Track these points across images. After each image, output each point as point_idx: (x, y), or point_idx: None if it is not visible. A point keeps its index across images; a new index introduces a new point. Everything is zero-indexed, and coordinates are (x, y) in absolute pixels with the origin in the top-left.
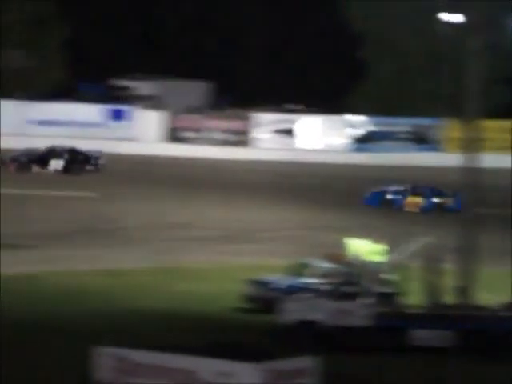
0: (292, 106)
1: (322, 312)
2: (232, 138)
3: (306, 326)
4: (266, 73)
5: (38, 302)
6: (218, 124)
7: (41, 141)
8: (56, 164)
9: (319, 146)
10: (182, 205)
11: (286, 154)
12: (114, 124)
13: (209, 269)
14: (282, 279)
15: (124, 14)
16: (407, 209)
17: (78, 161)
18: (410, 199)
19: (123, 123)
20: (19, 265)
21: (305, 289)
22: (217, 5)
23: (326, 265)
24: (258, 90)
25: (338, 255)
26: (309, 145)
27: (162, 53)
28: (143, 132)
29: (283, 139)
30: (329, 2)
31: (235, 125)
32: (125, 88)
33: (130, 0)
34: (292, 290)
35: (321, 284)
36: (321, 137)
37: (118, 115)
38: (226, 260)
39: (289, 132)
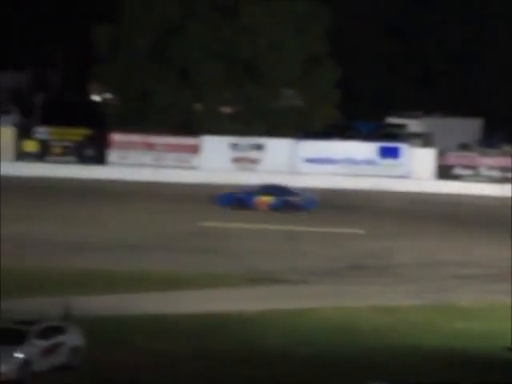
0: None
1: None
2: (502, 174)
3: None
4: None
5: (308, 337)
6: (491, 161)
7: (311, 179)
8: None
9: None
10: (448, 242)
11: None
12: (384, 161)
13: (479, 308)
14: None
15: (393, 54)
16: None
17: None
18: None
19: (394, 160)
20: (289, 300)
21: None
22: (485, 40)
23: None
24: None
25: None
26: None
27: (430, 90)
28: (413, 169)
29: None
30: None
31: (508, 162)
32: (397, 126)
33: (400, 40)
34: None
35: None
36: None
37: (389, 152)
38: (495, 299)
39: None
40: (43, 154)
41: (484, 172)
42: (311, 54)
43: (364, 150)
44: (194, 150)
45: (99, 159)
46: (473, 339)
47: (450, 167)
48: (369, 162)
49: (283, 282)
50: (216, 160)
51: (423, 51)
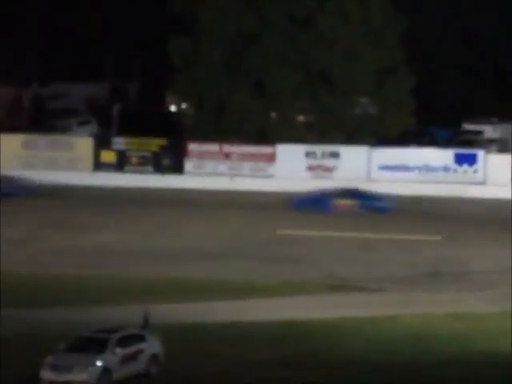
0: None
1: None
2: None
3: None
4: None
5: (387, 344)
6: None
7: (387, 186)
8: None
9: None
10: None
11: None
12: (461, 168)
13: None
14: None
15: (468, 60)
16: None
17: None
18: None
19: (470, 167)
20: (367, 307)
21: None
22: None
23: None
24: None
25: None
26: None
27: (506, 96)
28: (490, 176)
29: None
30: None
31: None
32: (473, 132)
33: (475, 46)
34: None
35: None
36: None
37: (465, 159)
38: None
39: None
40: (121, 164)
41: None
42: (386, 63)
43: (440, 156)
44: (270, 158)
45: (176, 169)
46: None
47: None
48: (445, 169)
49: (361, 289)
50: (291, 168)
51: (499, 57)
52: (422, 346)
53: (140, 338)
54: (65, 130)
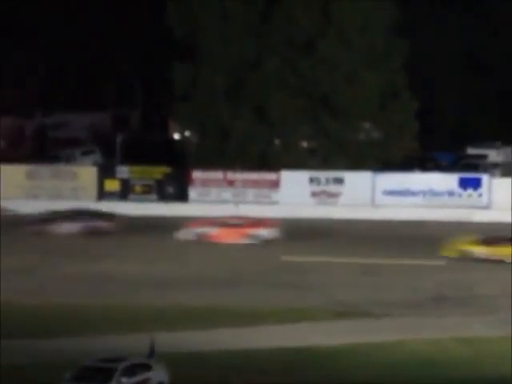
0: None
1: None
2: None
3: None
4: None
5: (393, 370)
6: None
7: (392, 211)
8: None
9: None
10: None
11: None
12: (465, 192)
13: None
14: None
15: (470, 84)
16: None
17: None
18: None
19: (475, 191)
20: (373, 333)
21: None
22: None
23: None
24: None
25: None
26: None
27: (509, 120)
28: (494, 199)
29: None
30: None
31: None
32: (477, 156)
33: (477, 70)
34: None
35: None
36: None
37: (469, 183)
38: None
39: None
40: (125, 192)
41: None
42: (388, 87)
43: (444, 181)
44: (274, 184)
45: (180, 196)
46: None
47: None
48: (450, 193)
49: (367, 315)
50: (296, 194)
51: (502, 80)
52: (429, 371)
53: (146, 367)
54: (68, 159)
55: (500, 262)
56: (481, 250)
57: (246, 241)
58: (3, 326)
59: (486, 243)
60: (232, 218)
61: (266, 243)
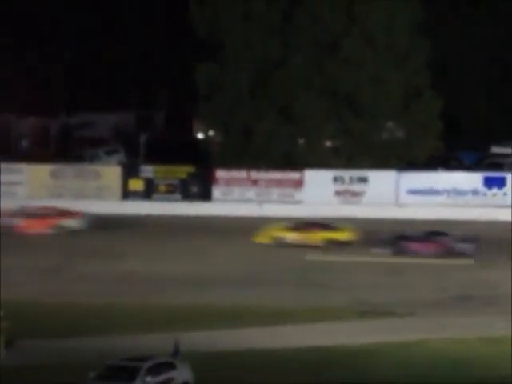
0: None
1: None
2: None
3: None
4: None
5: (417, 369)
6: None
7: (415, 210)
8: None
9: None
10: None
11: None
12: (490, 191)
13: None
14: None
15: (494, 82)
16: None
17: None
18: None
19: (499, 190)
20: (397, 332)
21: None
22: None
23: None
24: None
25: None
26: None
27: None
28: None
29: None
30: None
31: None
32: (502, 155)
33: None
34: None
35: None
36: None
37: (494, 182)
38: None
39: None
40: (149, 192)
41: None
42: (412, 86)
43: (469, 180)
44: (298, 184)
45: (204, 196)
46: None
47: None
48: (474, 193)
49: (391, 314)
50: (319, 194)
51: None
52: (454, 371)
53: (171, 366)
54: (92, 159)
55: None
56: (292, 236)
57: (52, 231)
58: (29, 326)
59: (297, 229)
60: (40, 208)
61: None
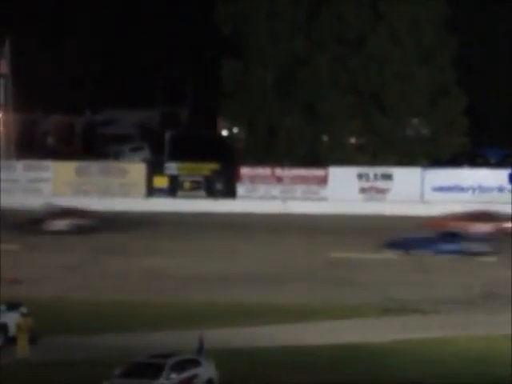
0: None
1: None
2: None
3: None
4: None
5: (442, 367)
6: None
7: (441, 207)
8: None
9: None
10: None
11: None
12: None
13: None
14: None
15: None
16: None
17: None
18: None
19: None
20: (421, 330)
21: None
22: None
23: None
24: None
25: None
26: None
27: None
28: None
29: None
30: None
31: None
32: None
33: None
34: None
35: None
36: None
37: None
38: None
39: None
40: (173, 189)
41: None
42: (438, 83)
43: (494, 176)
44: (322, 181)
45: (228, 193)
46: None
47: None
48: (500, 189)
49: (416, 311)
50: (344, 190)
51: None
52: (481, 369)
53: (195, 363)
54: (117, 156)
55: None
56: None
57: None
58: (55, 323)
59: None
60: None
61: None
